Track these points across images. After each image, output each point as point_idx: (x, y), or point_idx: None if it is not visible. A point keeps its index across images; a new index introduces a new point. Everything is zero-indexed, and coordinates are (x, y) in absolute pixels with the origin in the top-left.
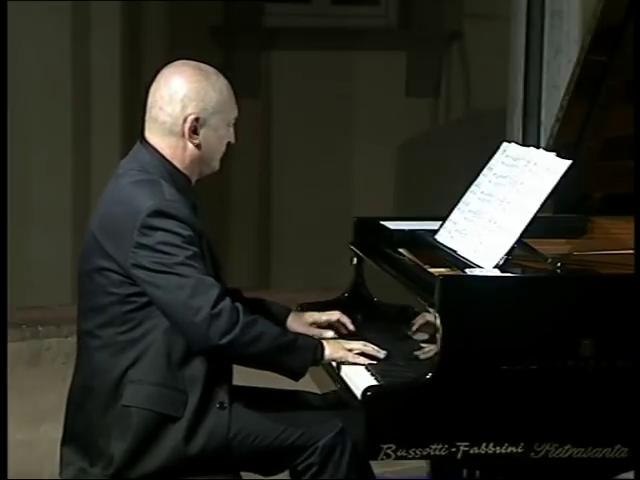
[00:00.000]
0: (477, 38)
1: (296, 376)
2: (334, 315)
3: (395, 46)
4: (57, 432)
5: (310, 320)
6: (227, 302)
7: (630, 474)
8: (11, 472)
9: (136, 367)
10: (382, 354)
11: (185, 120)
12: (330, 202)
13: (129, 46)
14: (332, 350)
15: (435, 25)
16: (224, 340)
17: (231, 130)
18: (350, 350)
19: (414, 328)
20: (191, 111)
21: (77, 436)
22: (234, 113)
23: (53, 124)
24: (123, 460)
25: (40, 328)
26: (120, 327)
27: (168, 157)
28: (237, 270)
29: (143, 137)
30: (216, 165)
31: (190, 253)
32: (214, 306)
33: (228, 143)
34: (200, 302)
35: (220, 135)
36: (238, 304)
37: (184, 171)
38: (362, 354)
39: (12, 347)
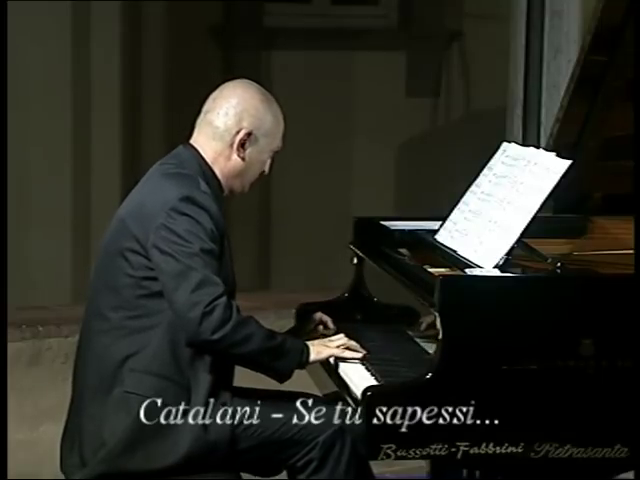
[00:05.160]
0: (477, 38)
1: (281, 378)
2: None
3: (395, 46)
4: (57, 432)
5: None
6: (223, 299)
7: (630, 474)
8: (11, 472)
9: (138, 356)
10: (360, 355)
11: (238, 132)
12: (330, 202)
13: (129, 46)
14: (317, 352)
15: (435, 25)
16: (215, 336)
17: (269, 160)
18: (335, 347)
19: (422, 327)
20: (246, 125)
21: (74, 428)
22: (279, 144)
23: (53, 124)
24: (119, 446)
25: (40, 328)
26: (130, 312)
27: (209, 161)
28: (237, 271)
29: (187, 141)
30: (247, 187)
31: (207, 247)
32: (210, 303)
33: (262, 172)
34: (199, 298)
35: (262, 159)
36: (234, 302)
37: (220, 178)
38: (347, 349)
39: (12, 347)
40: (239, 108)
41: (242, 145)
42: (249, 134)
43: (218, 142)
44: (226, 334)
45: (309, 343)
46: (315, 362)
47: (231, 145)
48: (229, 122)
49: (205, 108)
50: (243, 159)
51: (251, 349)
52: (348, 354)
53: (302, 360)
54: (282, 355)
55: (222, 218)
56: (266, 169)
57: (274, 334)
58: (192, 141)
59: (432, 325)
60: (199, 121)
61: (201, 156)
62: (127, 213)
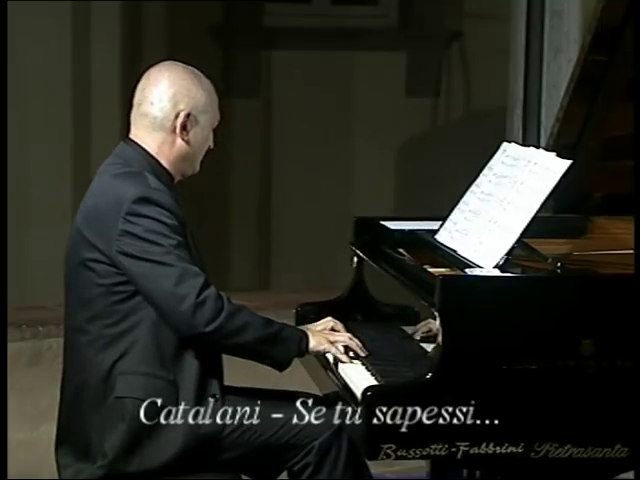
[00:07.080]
0: (477, 38)
1: (280, 367)
2: (328, 324)
3: (395, 46)
4: None
5: None
6: (212, 290)
7: (630, 474)
8: (11, 472)
9: (124, 360)
10: (364, 353)
11: (177, 116)
12: (330, 202)
13: (129, 46)
14: (316, 342)
15: (435, 25)
16: (209, 328)
17: (212, 134)
18: (334, 342)
19: (417, 336)
20: (183, 107)
21: (71, 436)
22: (218, 116)
23: (53, 124)
24: (117, 452)
25: (40, 328)
26: (107, 320)
27: (153, 153)
28: (237, 271)
29: (127, 137)
30: (197, 166)
31: (175, 242)
32: (199, 294)
33: (208, 148)
34: (185, 290)
35: (205, 135)
36: (223, 293)
37: (168, 167)
38: (347, 348)
39: (12, 347)
40: (171, 92)
41: (184, 128)
42: (188, 115)
43: (159, 132)
44: (220, 325)
45: (309, 332)
46: (315, 351)
47: (173, 131)
48: (165, 108)
49: (136, 100)
50: (188, 142)
51: (247, 338)
52: (345, 358)
53: (301, 348)
54: (279, 343)
55: (179, 208)
56: (211, 144)
57: (271, 322)
58: (132, 136)
59: (432, 329)
60: (133, 115)
61: (145, 150)
62: (81, 222)
